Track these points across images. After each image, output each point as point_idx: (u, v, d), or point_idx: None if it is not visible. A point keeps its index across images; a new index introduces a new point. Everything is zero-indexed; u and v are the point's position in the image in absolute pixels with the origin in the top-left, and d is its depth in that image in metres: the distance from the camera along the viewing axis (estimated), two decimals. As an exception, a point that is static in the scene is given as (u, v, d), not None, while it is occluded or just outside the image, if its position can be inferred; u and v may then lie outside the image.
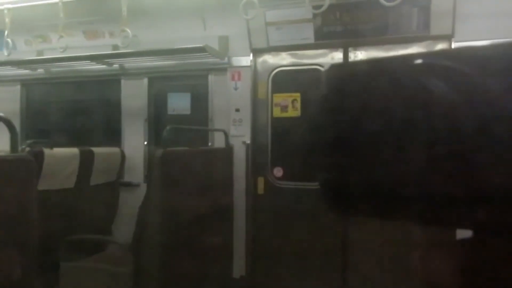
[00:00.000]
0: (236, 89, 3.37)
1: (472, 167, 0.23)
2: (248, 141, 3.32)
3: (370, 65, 0.28)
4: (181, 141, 3.12)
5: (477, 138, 0.23)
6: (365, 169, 0.26)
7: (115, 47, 3.49)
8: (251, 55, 3.32)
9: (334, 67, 0.29)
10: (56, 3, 3.15)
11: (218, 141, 3.43)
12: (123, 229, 3.24)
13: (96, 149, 3.17)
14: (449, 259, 0.26)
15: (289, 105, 3.26)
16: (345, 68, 0.31)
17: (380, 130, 0.25)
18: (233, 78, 3.38)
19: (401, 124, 0.25)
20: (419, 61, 0.26)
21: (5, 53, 3.50)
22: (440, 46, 2.90)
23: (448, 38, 2.83)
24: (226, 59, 3.38)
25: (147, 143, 3.72)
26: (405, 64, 0.26)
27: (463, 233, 0.26)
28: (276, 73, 3.31)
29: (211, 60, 3.33)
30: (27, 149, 2.62)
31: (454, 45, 2.82)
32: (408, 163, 0.24)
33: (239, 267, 3.34)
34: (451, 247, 0.27)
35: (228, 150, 3.30)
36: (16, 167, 1.52)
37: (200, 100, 3.57)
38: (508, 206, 0.23)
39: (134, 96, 3.74)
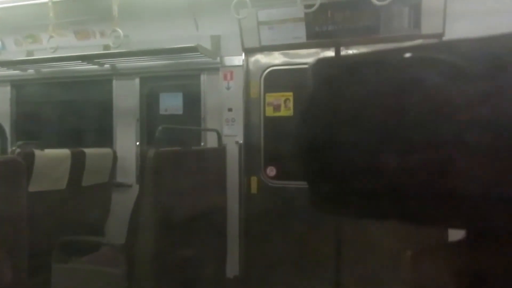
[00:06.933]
0: (228, 88, 3.36)
1: (472, 162, 0.22)
2: (241, 141, 3.32)
3: (357, 59, 0.28)
4: (173, 141, 3.10)
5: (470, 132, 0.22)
6: (353, 166, 0.25)
7: (107, 47, 3.46)
8: (243, 54, 3.32)
9: (321, 61, 0.29)
10: (46, 3, 3.12)
11: (210, 141, 3.42)
12: (116, 230, 3.22)
13: (87, 150, 3.15)
14: (441, 261, 0.26)
15: (281, 105, 3.25)
16: (332, 62, 0.30)
17: (369, 126, 0.25)
18: (225, 78, 3.37)
19: (392, 118, 0.24)
20: (406, 54, 0.25)
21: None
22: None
23: (439, 36, 2.85)
24: (218, 59, 3.37)
25: (139, 143, 3.70)
26: (393, 57, 0.26)
27: (456, 235, 0.26)
28: (268, 73, 3.31)
29: (203, 59, 3.32)
30: (17, 150, 2.59)
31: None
32: (400, 160, 0.24)
33: (232, 267, 3.33)
34: (444, 249, 0.26)
35: (221, 150, 3.29)
36: (5, 169, 1.50)
37: (192, 100, 3.56)
38: (498, 206, 0.22)
39: (126, 96, 3.72)
